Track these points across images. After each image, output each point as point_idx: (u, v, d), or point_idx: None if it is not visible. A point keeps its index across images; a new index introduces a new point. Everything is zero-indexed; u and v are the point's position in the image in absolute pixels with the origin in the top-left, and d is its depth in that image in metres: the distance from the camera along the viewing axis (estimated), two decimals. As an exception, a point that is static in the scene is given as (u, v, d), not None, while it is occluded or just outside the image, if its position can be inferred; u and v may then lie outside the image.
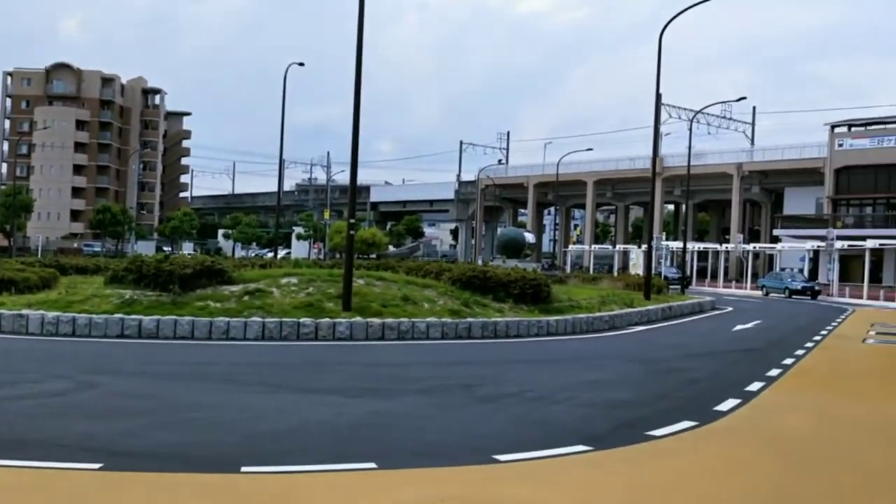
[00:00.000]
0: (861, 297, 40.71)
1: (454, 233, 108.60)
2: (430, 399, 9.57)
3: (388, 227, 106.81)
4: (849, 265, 51.51)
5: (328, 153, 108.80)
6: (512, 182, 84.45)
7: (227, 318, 15.08)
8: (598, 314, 20.04)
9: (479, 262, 62.44)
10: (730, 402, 9.84)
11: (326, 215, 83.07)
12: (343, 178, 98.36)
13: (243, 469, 6.10)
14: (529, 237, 35.06)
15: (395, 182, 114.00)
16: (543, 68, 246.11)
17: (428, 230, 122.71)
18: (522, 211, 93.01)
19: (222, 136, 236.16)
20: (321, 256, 67.84)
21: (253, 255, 73.91)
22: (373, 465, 6.38)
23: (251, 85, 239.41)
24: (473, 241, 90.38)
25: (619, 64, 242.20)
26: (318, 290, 17.62)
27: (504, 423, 8.36)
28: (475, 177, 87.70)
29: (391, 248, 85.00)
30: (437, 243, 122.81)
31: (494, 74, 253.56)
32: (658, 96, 31.73)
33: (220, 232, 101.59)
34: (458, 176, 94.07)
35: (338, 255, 75.80)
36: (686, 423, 8.49)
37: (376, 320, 16.00)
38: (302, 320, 15.43)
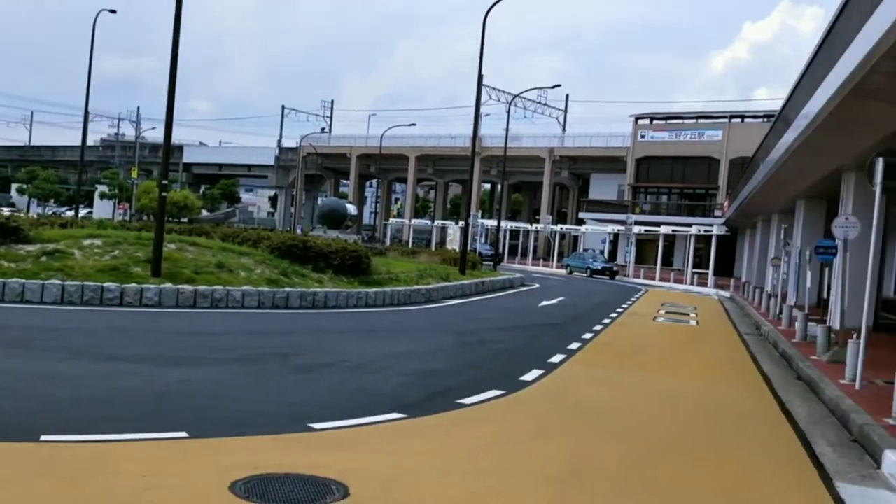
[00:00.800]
0: (654, 279, 44.15)
1: (273, 200, 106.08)
2: (245, 368, 9.43)
3: (202, 190, 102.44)
4: (644, 248, 55.67)
5: (138, 108, 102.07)
6: (335, 152, 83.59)
7: (21, 280, 13.97)
8: (415, 287, 20.47)
9: (299, 231, 61.48)
10: (534, 373, 10.47)
11: (134, 174, 78.16)
12: (154, 135, 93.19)
13: (43, 438, 5.77)
14: (351, 208, 34.93)
15: (212, 143, 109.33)
16: (370, 39, 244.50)
17: (245, 196, 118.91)
18: (344, 181, 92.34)
19: (20, 83, 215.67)
20: (127, 218, 64.02)
21: (50, 212, 68.44)
22: (184, 434, 6.25)
23: (55, 30, 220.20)
24: (293, 210, 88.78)
25: (444, 41, 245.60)
26: (124, 253, 16.71)
27: (320, 391, 8.42)
28: (297, 144, 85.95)
29: (204, 212, 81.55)
30: (255, 210, 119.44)
31: (319, 41, 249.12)
32: (480, 78, 32.58)
33: (14, 186, 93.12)
34: (279, 141, 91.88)
35: (145, 218, 71.80)
36: (494, 392, 8.96)
37: (188, 287, 15.44)
38: (106, 285, 14.59)
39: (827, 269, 17.23)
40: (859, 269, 14.61)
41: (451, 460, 6.22)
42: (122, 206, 71.93)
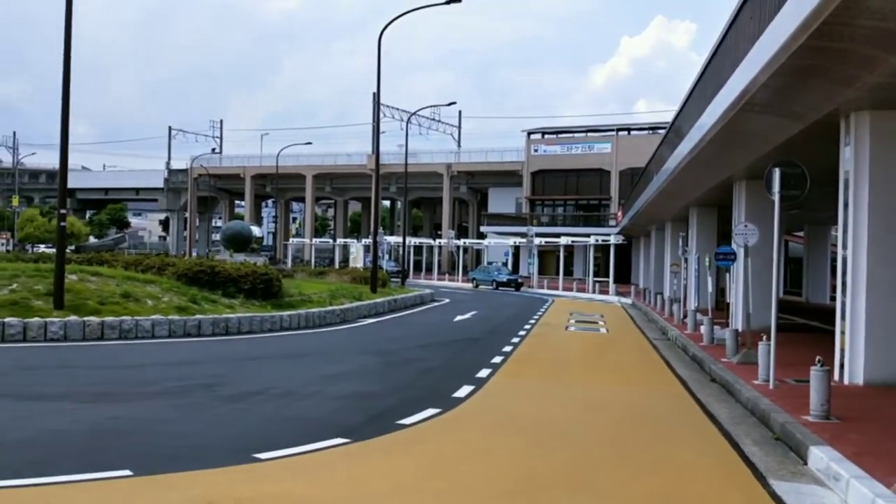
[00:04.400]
0: (557, 289, 45.17)
1: (164, 223, 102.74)
2: (171, 401, 9.15)
3: (89, 216, 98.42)
4: (545, 259, 56.92)
5: (14, 133, 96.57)
6: (228, 172, 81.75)
7: (-88, 320, 13.13)
8: (329, 308, 20.29)
9: (194, 255, 59.71)
10: (465, 389, 10.60)
11: (15, 202, 74.56)
12: (32, 161, 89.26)
13: (-19, 488, 5.47)
14: (256, 230, 34.23)
15: (94, 167, 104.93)
16: (255, 57, 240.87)
17: (134, 220, 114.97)
18: (239, 202, 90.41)
19: None
20: (9, 248, 60.71)
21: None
22: (128, 472, 6.07)
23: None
24: (186, 233, 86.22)
25: (332, 59, 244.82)
26: (23, 286, 15.96)
27: (257, 421, 8.27)
28: (187, 165, 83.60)
29: (92, 238, 78.32)
30: (146, 234, 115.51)
31: (202, 59, 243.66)
32: (377, 97, 32.75)
33: None
34: (168, 163, 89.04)
35: (29, 248, 68.29)
36: (431, 411, 9.02)
37: (94, 319, 14.87)
38: (7, 320, 13.90)
39: (727, 274, 18.11)
40: (760, 272, 15.50)
41: (405, 482, 6.25)
42: (3, 236, 68.18)
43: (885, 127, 11.09)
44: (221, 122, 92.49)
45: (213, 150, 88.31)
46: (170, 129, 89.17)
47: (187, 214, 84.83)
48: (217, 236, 65.22)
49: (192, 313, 16.68)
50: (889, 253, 11.05)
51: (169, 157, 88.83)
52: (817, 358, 8.39)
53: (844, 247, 11.55)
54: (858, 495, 5.87)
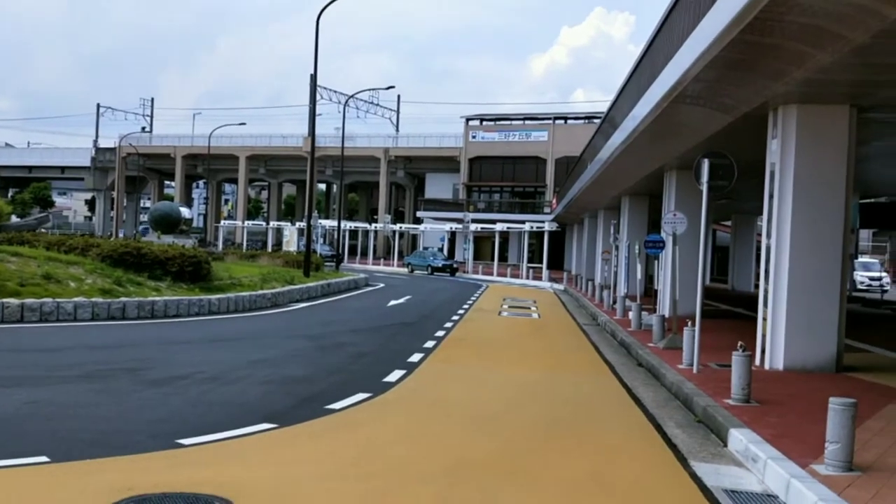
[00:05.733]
0: (492, 274, 45.43)
1: (90, 203, 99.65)
2: (93, 385, 8.89)
3: (10, 194, 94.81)
4: (480, 245, 57.22)
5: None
6: (158, 152, 79.66)
7: None
8: (260, 292, 19.97)
9: (121, 236, 58.07)
10: (397, 374, 10.57)
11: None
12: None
13: None
14: (186, 212, 33.39)
15: (18, 144, 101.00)
16: (188, 35, 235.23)
17: (59, 200, 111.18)
18: (169, 183, 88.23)
19: None
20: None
21: None
22: (45, 458, 5.87)
23: None
24: (113, 214, 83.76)
25: (268, 39, 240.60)
26: (-64, 266, 15.27)
27: (181, 406, 8.09)
28: (115, 144, 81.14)
29: (14, 218, 75.38)
30: (71, 214, 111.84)
31: (135, 36, 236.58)
32: (314, 78, 32.30)
33: None
34: (96, 142, 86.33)
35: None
36: (361, 395, 8.97)
37: (13, 301, 14.33)
38: (-82, 301, 13.28)
39: (656, 262, 18.48)
40: (687, 260, 15.84)
41: (332, 466, 6.19)
42: (-84, 214, 65.01)
43: (812, 121, 11.42)
44: (152, 100, 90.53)
45: (143, 128, 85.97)
46: (98, 106, 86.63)
47: (114, 194, 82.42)
48: (145, 217, 63.60)
49: (116, 296, 16.24)
50: (811, 243, 11.40)
51: (97, 135, 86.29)
52: (739, 343, 8.62)
53: (768, 236, 11.88)
54: (775, 476, 6.05)
